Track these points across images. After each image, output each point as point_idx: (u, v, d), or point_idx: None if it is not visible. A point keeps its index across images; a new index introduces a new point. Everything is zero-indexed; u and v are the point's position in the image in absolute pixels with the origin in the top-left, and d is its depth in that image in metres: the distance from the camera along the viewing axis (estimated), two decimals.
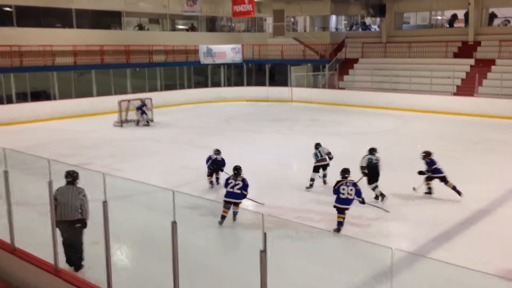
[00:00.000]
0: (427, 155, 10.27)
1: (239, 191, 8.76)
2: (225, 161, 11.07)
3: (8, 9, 20.81)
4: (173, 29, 28.91)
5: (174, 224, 4.54)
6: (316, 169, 10.93)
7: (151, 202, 8.91)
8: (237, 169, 9.04)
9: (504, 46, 23.34)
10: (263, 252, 3.89)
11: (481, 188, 10.88)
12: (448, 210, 9.45)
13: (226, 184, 8.96)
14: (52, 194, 5.94)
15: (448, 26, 28.87)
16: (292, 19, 32.26)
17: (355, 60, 27.29)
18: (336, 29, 32.81)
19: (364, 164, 10.17)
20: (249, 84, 28.51)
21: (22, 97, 20.70)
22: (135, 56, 24.55)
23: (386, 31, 27.67)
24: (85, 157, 13.77)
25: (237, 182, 8.81)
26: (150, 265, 7.10)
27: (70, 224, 6.50)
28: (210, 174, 11.19)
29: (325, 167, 11.12)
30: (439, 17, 30.90)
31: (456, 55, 24.81)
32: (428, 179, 10.21)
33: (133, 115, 19.84)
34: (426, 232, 8.24)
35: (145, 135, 17.66)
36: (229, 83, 28.91)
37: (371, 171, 10.06)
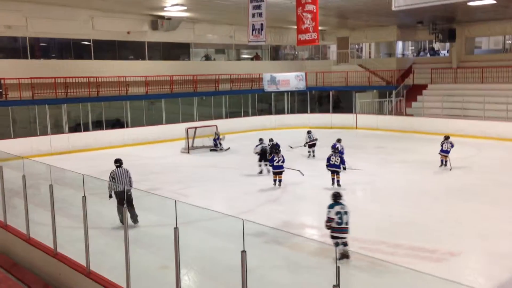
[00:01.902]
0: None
1: (282, 164, 13.38)
2: (279, 144, 15.81)
3: (86, 43, 22.33)
4: (238, 58, 29.67)
5: (243, 253, 4.52)
6: (310, 147, 17.66)
7: (216, 228, 8.98)
8: (276, 149, 14.13)
9: None
10: (337, 287, 3.75)
11: None
12: None
13: (272, 160, 13.57)
14: (126, 221, 6.14)
15: None
16: (356, 46, 32.05)
17: (424, 86, 26.48)
18: (403, 55, 32.15)
19: (258, 150, 15.61)
20: (312, 111, 28.46)
21: (98, 125, 21.92)
22: (202, 85, 25.37)
23: (456, 56, 26.72)
24: (154, 182, 14.23)
25: (279, 158, 13.39)
26: None
27: (124, 192, 9.57)
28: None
29: (314, 145, 17.90)
30: None
31: None
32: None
33: (199, 142, 20.41)
34: (506, 267, 7.67)
35: (211, 161, 18.00)
36: (292, 110, 29.02)
37: (262, 153, 15.41)
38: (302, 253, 8.50)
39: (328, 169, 13.24)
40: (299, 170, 14.35)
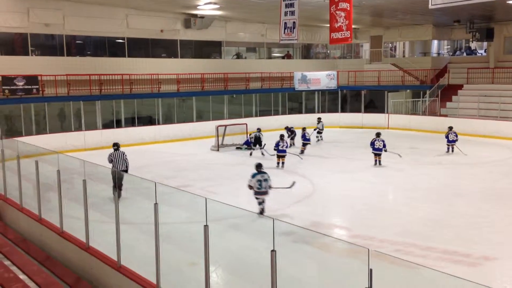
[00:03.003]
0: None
1: (286, 149, 15.58)
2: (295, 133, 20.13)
3: (121, 41, 22.71)
4: (269, 57, 29.58)
5: (273, 252, 4.48)
6: (318, 133, 21.40)
7: (245, 226, 8.98)
8: (282, 135, 15.87)
9: None
10: None
11: None
12: None
13: (277, 145, 15.46)
14: (157, 217, 6.18)
15: None
16: (390, 45, 31.46)
17: (459, 86, 25.79)
18: (438, 54, 31.37)
19: (252, 136, 18.57)
20: (343, 111, 28.12)
21: (130, 122, 22.27)
22: (233, 83, 25.44)
23: (494, 56, 25.90)
24: (185, 179, 14.35)
25: (284, 144, 15.47)
26: None
27: (120, 172, 10.94)
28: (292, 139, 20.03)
29: (321, 132, 21.69)
30: None
31: None
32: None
33: (228, 139, 20.44)
34: None
35: (240, 159, 18.02)
36: (323, 110, 28.74)
37: (256, 140, 18.34)
38: (331, 254, 8.39)
39: (372, 152, 15.72)
40: (298, 155, 17.13)
